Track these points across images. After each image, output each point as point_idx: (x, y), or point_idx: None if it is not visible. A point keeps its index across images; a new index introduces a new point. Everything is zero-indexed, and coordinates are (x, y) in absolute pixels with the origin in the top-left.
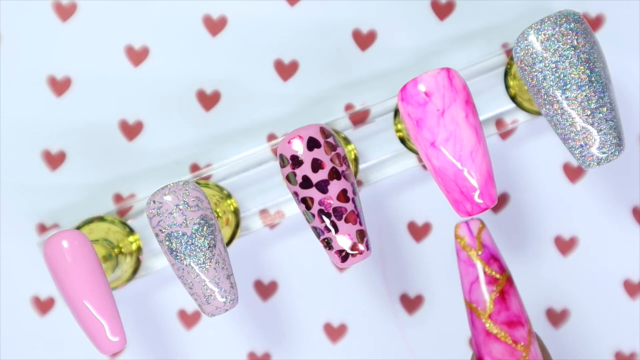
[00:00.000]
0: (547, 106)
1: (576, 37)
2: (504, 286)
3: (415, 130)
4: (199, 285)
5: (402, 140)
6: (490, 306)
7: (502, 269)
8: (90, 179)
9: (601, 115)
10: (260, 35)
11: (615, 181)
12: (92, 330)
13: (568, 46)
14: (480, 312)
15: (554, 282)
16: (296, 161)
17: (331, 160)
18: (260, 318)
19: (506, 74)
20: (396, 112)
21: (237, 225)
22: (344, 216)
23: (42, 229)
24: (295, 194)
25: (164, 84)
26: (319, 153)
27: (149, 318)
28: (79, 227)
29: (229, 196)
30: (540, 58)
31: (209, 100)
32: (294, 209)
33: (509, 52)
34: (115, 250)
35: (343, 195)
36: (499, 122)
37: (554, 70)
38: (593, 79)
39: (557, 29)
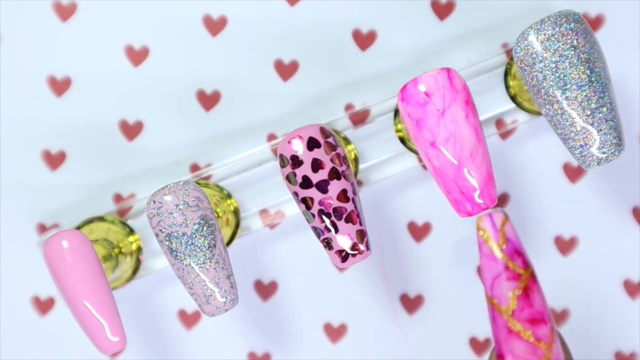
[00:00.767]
0: (547, 106)
1: (576, 37)
2: (528, 282)
3: (415, 130)
4: (199, 285)
5: (402, 140)
6: (513, 303)
7: (526, 265)
8: (90, 179)
9: (601, 115)
10: (260, 35)
11: (615, 181)
12: (92, 330)
13: (568, 46)
14: (503, 309)
15: (554, 282)
16: (296, 161)
17: (331, 160)
18: (260, 318)
19: (506, 74)
20: (396, 112)
21: (237, 225)
22: (344, 216)
23: (42, 229)
24: (295, 194)
25: (164, 84)
26: (319, 153)
27: (149, 318)
28: (79, 227)
29: (229, 196)
30: (540, 58)
31: (209, 100)
32: (294, 209)
33: (509, 52)
34: (115, 250)
35: (343, 195)
36: (499, 122)
37: (554, 70)
38: (593, 79)
39: (557, 29)
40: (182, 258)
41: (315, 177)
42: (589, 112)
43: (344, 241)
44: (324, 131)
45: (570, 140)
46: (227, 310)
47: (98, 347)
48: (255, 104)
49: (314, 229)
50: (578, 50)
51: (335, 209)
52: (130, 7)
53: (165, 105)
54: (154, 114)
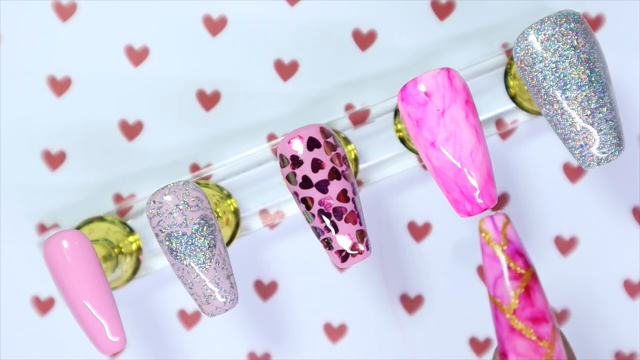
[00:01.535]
0: (547, 106)
1: (576, 37)
2: (529, 282)
3: (415, 130)
4: (199, 285)
5: (402, 140)
6: (515, 302)
7: (527, 265)
8: (90, 179)
9: (601, 115)
10: (260, 35)
11: (615, 181)
12: (92, 330)
13: (568, 46)
14: (505, 308)
15: (554, 282)
16: (296, 161)
17: (331, 160)
18: (260, 318)
19: (506, 74)
20: (396, 112)
21: (237, 225)
22: (344, 216)
23: (42, 229)
24: (295, 194)
25: (164, 84)
26: (319, 153)
27: (149, 318)
28: (79, 227)
29: (229, 196)
30: (540, 58)
31: (209, 100)
32: (294, 209)
33: (509, 52)
34: (115, 250)
35: (343, 195)
36: (499, 122)
37: (554, 70)
38: (593, 79)
39: (557, 29)
40: (182, 258)
41: (315, 177)
42: (589, 112)
43: (344, 241)
44: (324, 131)
45: (570, 140)
46: (227, 310)
47: (98, 347)
48: (255, 104)
49: (314, 229)
50: (578, 50)
51: (335, 209)
52: (130, 7)
53: (165, 105)
54: (154, 114)
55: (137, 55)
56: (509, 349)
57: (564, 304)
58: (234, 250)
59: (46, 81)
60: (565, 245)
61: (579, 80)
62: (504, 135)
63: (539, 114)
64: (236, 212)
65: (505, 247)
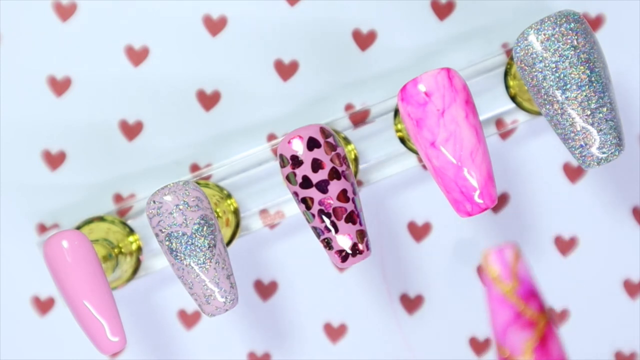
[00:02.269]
0: (547, 106)
1: (576, 37)
2: (544, 330)
3: (415, 130)
4: (199, 285)
5: (402, 140)
6: (529, 356)
7: (542, 308)
8: (90, 179)
9: (601, 115)
10: (260, 35)
11: (615, 181)
12: (92, 330)
13: (568, 46)
14: None
15: (554, 282)
16: (296, 161)
17: (331, 160)
18: (260, 318)
19: (506, 74)
20: (396, 112)
21: (237, 225)
22: (344, 216)
23: (42, 229)
24: (295, 194)
25: (164, 84)
26: (319, 153)
27: (149, 318)
28: (79, 227)
29: (229, 196)
30: (540, 58)
31: (209, 100)
32: (294, 209)
33: (509, 52)
34: (115, 250)
35: (343, 195)
36: (499, 122)
37: (554, 70)
38: (593, 79)
39: (557, 29)
40: (182, 258)
41: (315, 177)
42: (589, 112)
43: (344, 241)
44: (324, 131)
45: (570, 140)
46: (227, 310)
47: (98, 347)
48: (255, 104)
49: (314, 229)
50: (578, 50)
51: (335, 209)
52: (130, 7)
53: (165, 105)
54: (154, 114)
55: (137, 55)
56: None
57: (564, 304)
58: (234, 250)
59: (46, 81)
60: (565, 245)
61: (579, 80)
62: (504, 135)
63: (539, 114)
64: (236, 212)
65: (516, 288)
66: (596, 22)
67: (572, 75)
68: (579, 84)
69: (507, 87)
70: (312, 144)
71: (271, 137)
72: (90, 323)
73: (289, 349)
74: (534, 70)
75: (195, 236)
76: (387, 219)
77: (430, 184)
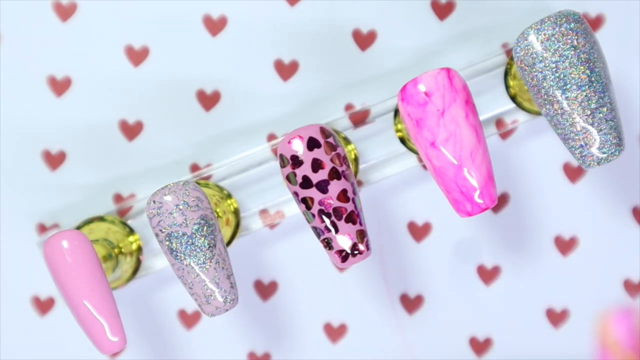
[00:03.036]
0: (547, 106)
1: (576, 37)
2: None
3: (415, 130)
4: (199, 285)
5: (402, 140)
6: None
7: None
8: (90, 179)
9: (601, 115)
10: (260, 35)
11: (615, 181)
12: (92, 330)
13: (568, 46)
14: None
15: (554, 282)
16: (296, 161)
17: (331, 160)
18: (260, 318)
19: (506, 74)
20: (396, 112)
21: (237, 225)
22: (344, 216)
23: (42, 229)
24: (295, 194)
25: (164, 84)
26: (319, 153)
27: (149, 318)
28: (79, 227)
29: (229, 196)
30: (540, 58)
31: (209, 100)
32: (294, 209)
33: (509, 52)
34: (115, 250)
35: (343, 195)
36: (499, 122)
37: (554, 70)
38: (593, 79)
39: (557, 29)
40: (182, 258)
41: (315, 177)
42: (589, 112)
43: (344, 241)
44: (324, 131)
45: (570, 140)
46: (227, 310)
47: (98, 347)
48: (255, 104)
49: (314, 229)
50: (578, 50)
51: (335, 209)
52: (130, 7)
53: (165, 105)
54: (154, 114)
55: (137, 55)
56: None
57: (564, 304)
58: (234, 250)
59: (46, 81)
60: (565, 245)
61: (579, 80)
62: (504, 135)
63: (539, 114)
64: (236, 212)
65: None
66: (596, 22)
67: (572, 75)
68: (579, 84)
69: (507, 87)
70: (312, 144)
71: (271, 137)
72: (90, 323)
73: (289, 349)
74: (534, 70)
75: (195, 236)
76: (387, 219)
77: (430, 184)
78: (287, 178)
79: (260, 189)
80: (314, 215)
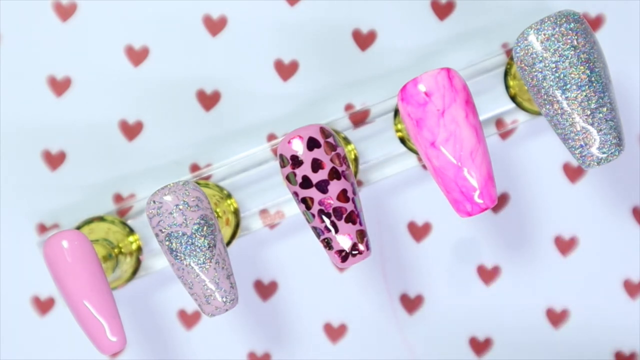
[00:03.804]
0: (547, 106)
1: (576, 37)
2: None
3: (415, 130)
4: (199, 285)
5: (402, 140)
6: None
7: None
8: (90, 179)
9: (601, 115)
10: (260, 35)
11: (615, 181)
12: (92, 330)
13: (568, 46)
14: None
15: (554, 282)
16: (296, 161)
17: (331, 160)
18: (260, 318)
19: (506, 74)
20: (396, 112)
21: (237, 225)
22: (344, 216)
23: (42, 229)
24: (295, 194)
25: (164, 83)
26: (319, 153)
27: (149, 318)
28: (79, 227)
29: (229, 196)
30: (540, 58)
31: (209, 100)
32: (294, 209)
33: (509, 52)
34: (115, 250)
35: (343, 195)
36: (499, 122)
37: (554, 70)
38: (593, 79)
39: (557, 29)
40: (182, 258)
41: (315, 177)
42: (589, 112)
43: (344, 241)
44: (324, 131)
45: (570, 140)
46: (227, 310)
47: (98, 347)
48: (255, 104)
49: (314, 229)
50: (578, 50)
51: (335, 209)
52: (130, 7)
53: (165, 105)
54: (154, 114)
55: (137, 55)
56: None
57: (564, 304)
58: (234, 250)
59: (46, 81)
60: (565, 245)
61: (579, 80)
62: (504, 135)
63: (539, 114)
64: (236, 212)
65: None
66: (596, 22)
67: (572, 75)
68: (579, 84)
69: (507, 87)
70: (312, 144)
71: (271, 137)
72: (90, 323)
73: (289, 349)
74: (534, 70)
75: (195, 236)
76: (387, 219)
77: (430, 184)
78: (287, 178)
79: (260, 189)
80: (313, 215)
